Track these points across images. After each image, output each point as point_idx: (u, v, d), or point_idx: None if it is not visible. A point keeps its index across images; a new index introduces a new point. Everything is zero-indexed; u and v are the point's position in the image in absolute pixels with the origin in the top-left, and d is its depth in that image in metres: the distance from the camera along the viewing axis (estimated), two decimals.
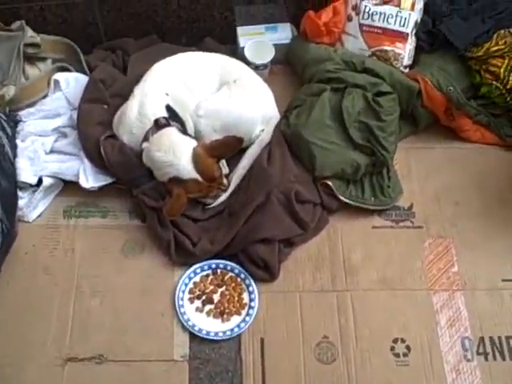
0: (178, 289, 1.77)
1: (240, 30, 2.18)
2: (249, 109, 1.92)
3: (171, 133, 1.81)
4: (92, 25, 2.14)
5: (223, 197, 1.90)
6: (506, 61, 2.02)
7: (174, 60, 1.96)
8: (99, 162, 1.87)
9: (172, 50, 2.06)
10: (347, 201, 1.92)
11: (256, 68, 2.10)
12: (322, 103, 1.94)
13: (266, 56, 2.11)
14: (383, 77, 2.00)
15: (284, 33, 2.19)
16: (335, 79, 1.99)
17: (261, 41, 2.14)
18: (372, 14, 2.06)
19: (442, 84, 2.00)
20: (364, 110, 1.94)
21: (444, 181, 2.03)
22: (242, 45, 2.15)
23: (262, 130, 1.96)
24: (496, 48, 2.01)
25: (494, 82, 2.01)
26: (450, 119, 2.07)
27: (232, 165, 1.94)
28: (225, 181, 1.90)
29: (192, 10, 2.13)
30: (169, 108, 1.86)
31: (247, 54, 2.10)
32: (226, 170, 1.94)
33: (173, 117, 1.86)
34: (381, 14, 2.05)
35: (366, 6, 2.06)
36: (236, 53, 2.17)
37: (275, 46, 2.13)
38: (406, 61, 2.07)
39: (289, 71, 2.21)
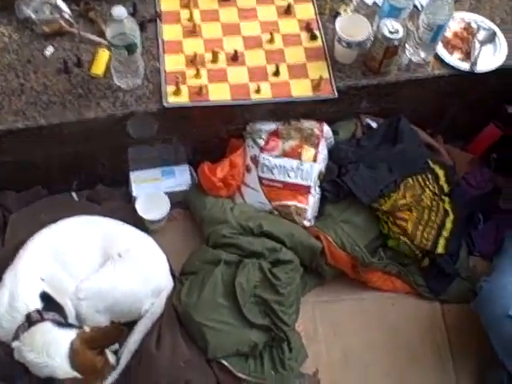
0: None
1: (133, 175, 2.00)
2: (136, 285, 1.77)
3: (45, 330, 1.63)
4: None
5: (114, 374, 1.74)
6: (414, 214, 1.91)
7: (49, 237, 1.78)
8: None
9: (60, 205, 1.91)
10: (246, 377, 1.79)
11: (151, 223, 1.95)
12: (215, 280, 1.79)
13: (161, 209, 1.94)
14: (283, 240, 1.87)
15: (182, 178, 2.02)
16: (231, 246, 1.85)
17: (155, 193, 1.96)
18: (271, 167, 1.91)
19: (346, 244, 1.88)
20: (260, 283, 1.81)
21: (353, 338, 1.92)
22: (135, 193, 1.98)
23: (153, 304, 1.81)
24: (403, 202, 1.91)
25: (402, 237, 1.91)
26: (358, 274, 1.95)
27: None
28: (112, 360, 1.74)
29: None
30: (44, 295, 1.69)
31: (139, 210, 1.93)
32: (115, 346, 1.79)
33: (49, 305, 1.69)
34: (281, 167, 1.91)
35: (264, 158, 1.92)
36: (130, 199, 2.01)
37: (172, 193, 1.98)
38: (310, 214, 1.93)
39: (189, 216, 2.05)
